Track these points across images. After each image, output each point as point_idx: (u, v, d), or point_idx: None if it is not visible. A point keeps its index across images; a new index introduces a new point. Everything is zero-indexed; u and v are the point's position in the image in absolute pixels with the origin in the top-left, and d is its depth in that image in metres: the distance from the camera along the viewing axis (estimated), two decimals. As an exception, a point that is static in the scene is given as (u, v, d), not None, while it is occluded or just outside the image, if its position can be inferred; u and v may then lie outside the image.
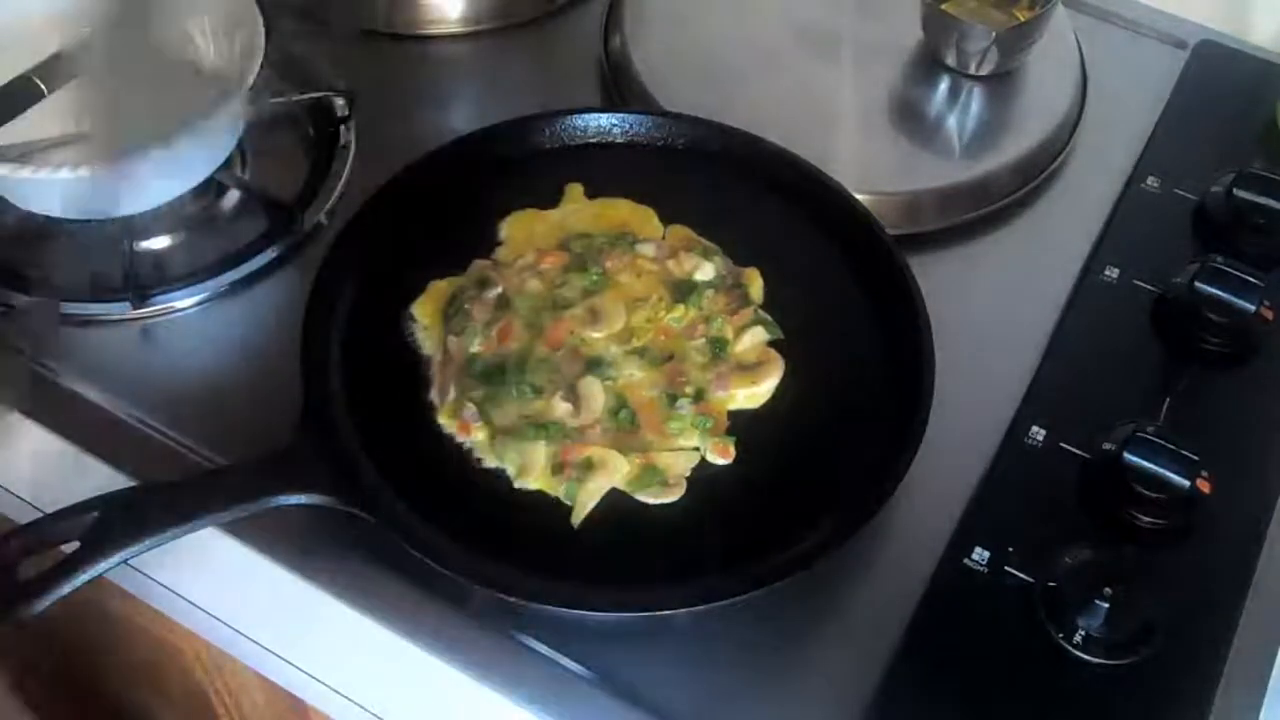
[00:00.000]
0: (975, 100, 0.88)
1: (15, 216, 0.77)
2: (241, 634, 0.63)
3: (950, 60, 0.88)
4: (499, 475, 0.64)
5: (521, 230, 0.74)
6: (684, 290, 0.70)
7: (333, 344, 0.68)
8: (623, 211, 0.75)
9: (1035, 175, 0.84)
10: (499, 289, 0.70)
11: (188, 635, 0.74)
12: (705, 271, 0.71)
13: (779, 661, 0.62)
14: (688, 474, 0.64)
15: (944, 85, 0.88)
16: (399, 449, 0.64)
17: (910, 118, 0.87)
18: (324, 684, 0.62)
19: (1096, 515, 0.65)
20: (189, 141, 0.69)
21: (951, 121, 0.87)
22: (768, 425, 0.67)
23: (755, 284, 0.72)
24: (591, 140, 0.79)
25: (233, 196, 0.80)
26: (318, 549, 0.64)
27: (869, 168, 0.81)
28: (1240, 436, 0.70)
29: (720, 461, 0.65)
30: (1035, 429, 0.69)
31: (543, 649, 0.61)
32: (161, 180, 0.72)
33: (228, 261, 0.76)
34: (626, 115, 0.79)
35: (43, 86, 0.76)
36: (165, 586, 0.64)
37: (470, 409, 0.65)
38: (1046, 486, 0.67)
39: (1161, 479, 0.64)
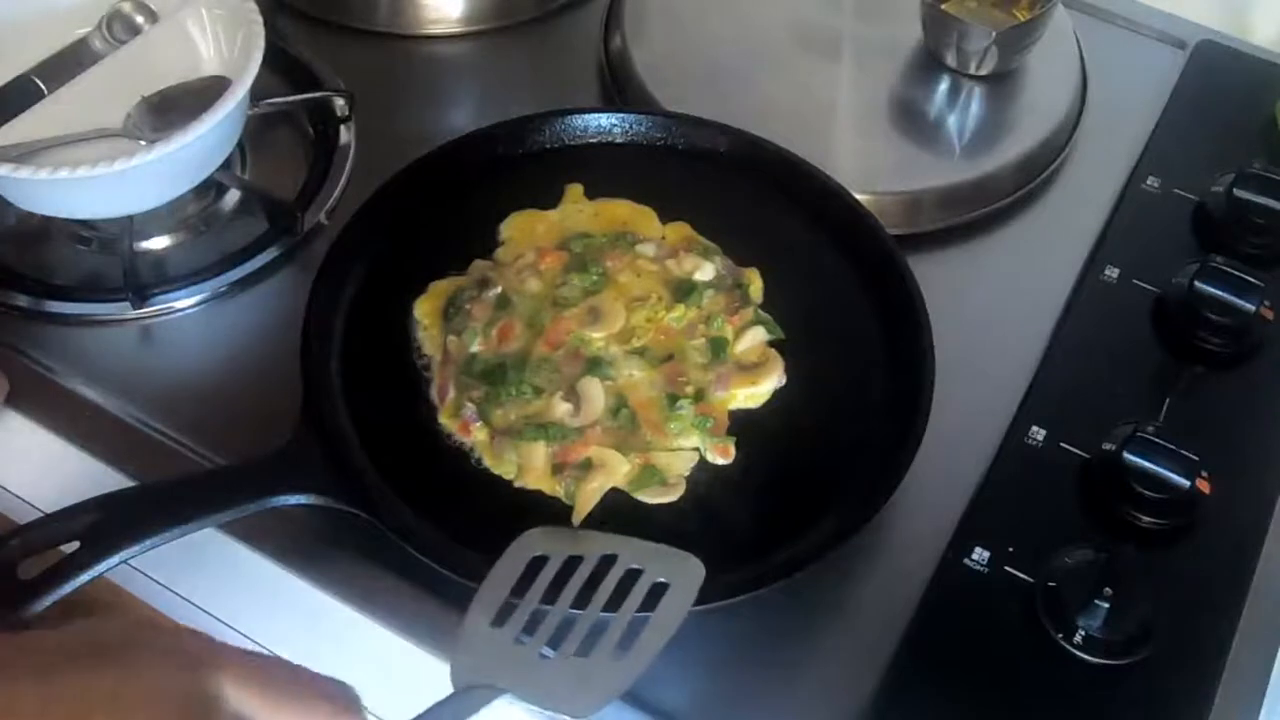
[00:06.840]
0: (975, 100, 0.88)
1: (15, 216, 0.77)
2: (242, 634, 0.63)
3: (950, 60, 0.88)
4: (499, 475, 0.64)
5: (521, 230, 0.74)
6: (684, 290, 0.70)
7: (333, 344, 0.68)
8: (623, 211, 0.75)
9: (1035, 175, 0.84)
10: (499, 289, 0.70)
11: (188, 635, 0.74)
12: (705, 271, 0.71)
13: (779, 661, 0.62)
14: (688, 474, 0.64)
15: (944, 85, 0.88)
16: (399, 449, 0.64)
17: (910, 118, 0.87)
18: (324, 684, 0.62)
19: (1096, 515, 0.65)
20: (189, 141, 0.69)
21: (951, 121, 0.87)
22: (768, 425, 0.67)
23: (755, 284, 0.72)
24: (591, 140, 0.79)
25: (233, 196, 0.80)
26: (318, 549, 0.64)
27: (869, 168, 0.81)
28: (1240, 436, 0.70)
29: (720, 461, 0.65)
30: (1035, 429, 0.69)
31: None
32: (161, 180, 0.72)
33: (228, 261, 0.76)
34: (626, 115, 0.79)
35: (43, 86, 0.77)
36: (165, 586, 0.64)
37: (470, 409, 0.65)
38: (1046, 486, 0.67)
39: (1161, 479, 0.64)
